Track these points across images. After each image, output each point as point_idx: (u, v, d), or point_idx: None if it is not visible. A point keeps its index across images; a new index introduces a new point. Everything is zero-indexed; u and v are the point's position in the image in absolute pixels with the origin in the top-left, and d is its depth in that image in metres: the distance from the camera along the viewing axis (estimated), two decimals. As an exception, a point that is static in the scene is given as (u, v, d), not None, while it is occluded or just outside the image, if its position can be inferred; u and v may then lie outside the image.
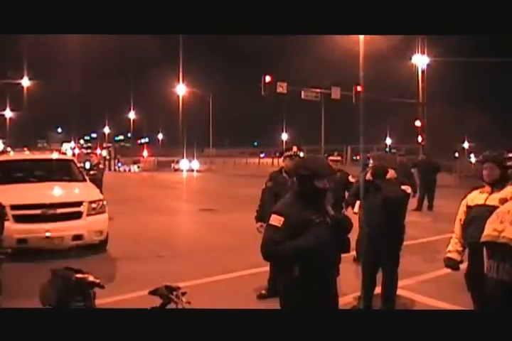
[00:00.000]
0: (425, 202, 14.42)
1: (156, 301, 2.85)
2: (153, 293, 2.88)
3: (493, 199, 4.28)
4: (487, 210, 4.08)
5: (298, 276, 3.41)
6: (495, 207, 3.98)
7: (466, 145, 55.27)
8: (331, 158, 8.58)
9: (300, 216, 3.44)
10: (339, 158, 8.40)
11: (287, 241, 3.35)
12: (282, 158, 6.41)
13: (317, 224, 3.43)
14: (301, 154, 6.19)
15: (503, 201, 4.05)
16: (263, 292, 6.20)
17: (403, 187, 5.56)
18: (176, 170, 51.59)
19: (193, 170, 48.13)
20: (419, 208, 14.12)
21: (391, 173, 5.64)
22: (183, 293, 2.86)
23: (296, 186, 3.62)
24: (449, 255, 4.69)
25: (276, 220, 3.42)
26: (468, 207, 4.59)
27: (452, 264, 4.66)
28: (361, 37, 29.81)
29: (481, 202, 4.45)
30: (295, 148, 6.29)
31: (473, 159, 34.35)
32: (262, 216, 6.14)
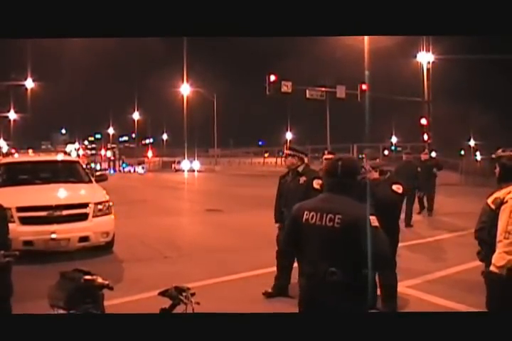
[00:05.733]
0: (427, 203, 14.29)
1: (166, 302, 2.85)
2: (162, 294, 2.88)
3: (491, 197, 4.23)
4: (484, 208, 4.09)
5: None
6: (488, 206, 3.98)
7: (472, 143, 55.07)
8: (325, 156, 8.59)
9: None
10: (333, 156, 8.50)
11: None
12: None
13: None
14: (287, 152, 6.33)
15: (496, 200, 4.00)
16: (269, 290, 6.21)
17: (394, 186, 5.44)
18: (177, 170, 51.55)
19: (194, 171, 48.15)
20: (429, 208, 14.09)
21: (373, 174, 5.55)
22: (193, 294, 2.86)
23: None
24: None
25: None
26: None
27: None
28: (365, 36, 29.81)
29: (487, 200, 4.42)
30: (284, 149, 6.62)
31: (478, 157, 34.22)
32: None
